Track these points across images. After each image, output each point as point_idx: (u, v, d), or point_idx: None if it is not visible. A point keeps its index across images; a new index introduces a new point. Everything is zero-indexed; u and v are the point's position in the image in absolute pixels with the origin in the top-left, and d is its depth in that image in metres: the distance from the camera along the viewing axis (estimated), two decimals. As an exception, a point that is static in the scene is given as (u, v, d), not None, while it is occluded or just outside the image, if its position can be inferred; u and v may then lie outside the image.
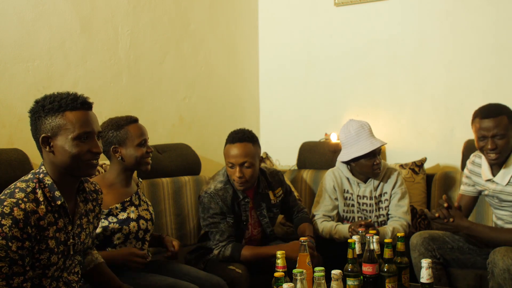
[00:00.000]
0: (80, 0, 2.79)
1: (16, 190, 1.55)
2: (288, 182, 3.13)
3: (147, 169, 2.27)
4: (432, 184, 3.14)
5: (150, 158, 2.26)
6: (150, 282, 2.05)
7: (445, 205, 2.39)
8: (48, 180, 1.61)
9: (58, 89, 2.64)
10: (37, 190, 1.58)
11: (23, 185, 1.58)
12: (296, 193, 3.13)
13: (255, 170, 2.52)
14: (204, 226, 2.54)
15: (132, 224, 2.18)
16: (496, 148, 2.34)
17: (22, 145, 2.40)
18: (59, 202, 1.61)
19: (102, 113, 2.89)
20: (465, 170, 2.66)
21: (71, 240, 1.68)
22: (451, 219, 2.35)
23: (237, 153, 2.47)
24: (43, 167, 1.65)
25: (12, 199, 1.51)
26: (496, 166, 2.46)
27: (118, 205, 2.17)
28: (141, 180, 2.40)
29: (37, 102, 1.65)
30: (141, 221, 2.22)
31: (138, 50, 3.13)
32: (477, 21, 3.25)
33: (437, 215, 2.38)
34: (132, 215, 2.20)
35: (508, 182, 2.40)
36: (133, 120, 2.25)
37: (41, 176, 1.62)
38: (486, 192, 2.54)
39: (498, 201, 2.50)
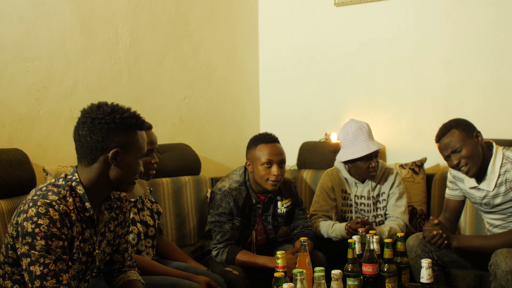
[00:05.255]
0: (80, 0, 2.79)
1: (49, 193, 1.55)
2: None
3: (148, 179, 2.26)
4: (432, 184, 3.14)
5: (153, 169, 2.23)
6: (152, 281, 2.05)
7: (435, 222, 2.37)
8: (80, 190, 1.60)
9: (58, 89, 2.67)
10: (68, 198, 1.57)
11: (55, 189, 1.57)
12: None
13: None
14: (209, 222, 2.55)
15: (138, 225, 2.19)
16: (460, 162, 2.37)
17: (22, 145, 2.40)
18: (87, 214, 1.61)
19: (102, 113, 2.89)
20: (449, 175, 2.64)
21: (97, 251, 1.68)
22: (443, 234, 2.32)
23: (277, 151, 2.50)
24: (76, 174, 1.62)
25: (45, 200, 1.51)
26: (480, 174, 2.44)
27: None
28: (151, 188, 2.39)
29: (111, 112, 1.60)
30: (139, 225, 2.20)
31: (138, 50, 3.13)
32: (477, 21, 3.25)
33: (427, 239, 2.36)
34: (135, 217, 2.20)
35: (495, 186, 2.40)
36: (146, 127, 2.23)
37: (73, 184, 1.60)
38: (473, 200, 2.53)
39: (487, 207, 2.49)
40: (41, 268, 1.46)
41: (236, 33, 3.92)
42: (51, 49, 2.65)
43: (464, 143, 2.36)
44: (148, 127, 2.23)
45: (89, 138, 1.59)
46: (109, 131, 1.59)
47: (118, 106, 1.65)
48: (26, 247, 1.47)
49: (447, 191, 2.67)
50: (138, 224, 2.20)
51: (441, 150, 2.43)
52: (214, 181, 3.18)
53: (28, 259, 1.47)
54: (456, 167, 2.40)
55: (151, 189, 2.39)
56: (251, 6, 4.04)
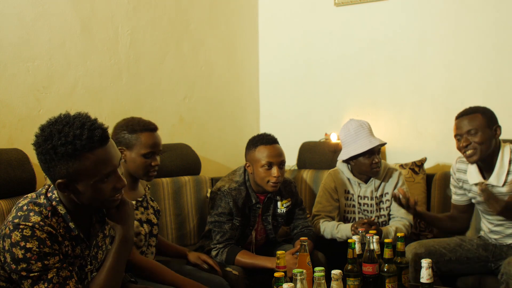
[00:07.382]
0: (80, 0, 2.79)
1: (31, 214, 1.44)
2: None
3: (149, 180, 2.24)
4: (432, 184, 3.14)
5: (154, 171, 2.19)
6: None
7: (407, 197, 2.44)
8: (61, 210, 1.50)
9: (58, 89, 2.67)
10: (52, 218, 1.47)
11: (36, 208, 1.46)
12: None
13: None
14: (209, 223, 2.55)
15: (145, 225, 2.18)
16: (469, 145, 2.36)
17: (22, 145, 2.40)
18: (73, 234, 1.52)
19: (102, 113, 2.89)
20: (452, 180, 2.63)
21: (89, 266, 1.62)
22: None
23: (277, 152, 2.48)
24: (55, 192, 1.51)
25: (27, 223, 1.41)
26: (486, 169, 2.43)
27: (133, 202, 2.15)
28: (149, 186, 2.39)
29: (45, 140, 1.41)
30: (145, 225, 2.20)
31: (138, 50, 3.13)
32: (477, 21, 3.25)
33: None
34: (142, 217, 2.19)
35: (505, 182, 2.38)
36: (149, 129, 2.16)
37: (53, 203, 1.49)
38: (479, 199, 2.48)
39: None
40: (45, 285, 1.41)
41: (236, 33, 3.92)
42: (51, 49, 2.65)
43: (482, 129, 2.35)
44: (154, 128, 2.19)
45: (42, 168, 1.45)
46: (47, 162, 1.42)
47: (60, 127, 1.41)
48: (23, 273, 1.40)
49: (453, 196, 2.65)
50: (145, 225, 2.19)
51: (457, 127, 2.42)
52: (214, 181, 3.18)
53: (30, 280, 1.41)
54: (464, 148, 2.38)
55: (149, 186, 2.38)
56: (251, 6, 4.04)
